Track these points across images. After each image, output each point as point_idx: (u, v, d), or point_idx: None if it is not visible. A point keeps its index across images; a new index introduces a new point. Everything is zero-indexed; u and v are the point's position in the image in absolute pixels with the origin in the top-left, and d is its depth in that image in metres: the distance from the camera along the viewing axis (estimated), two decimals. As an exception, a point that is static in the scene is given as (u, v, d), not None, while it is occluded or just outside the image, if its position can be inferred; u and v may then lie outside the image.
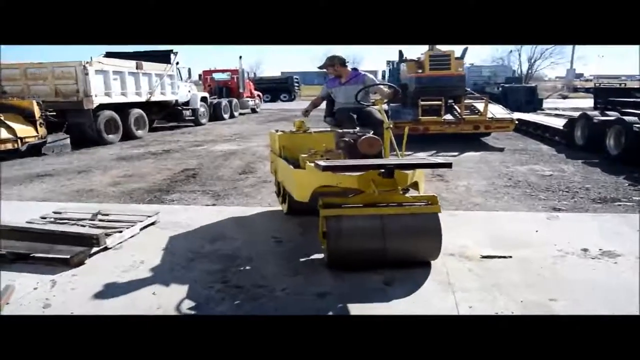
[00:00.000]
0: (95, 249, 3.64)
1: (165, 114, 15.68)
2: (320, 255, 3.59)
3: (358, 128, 4.35)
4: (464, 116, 10.13)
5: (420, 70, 11.29)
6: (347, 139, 4.06)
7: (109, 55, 13.72)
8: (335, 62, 5.15)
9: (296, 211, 4.55)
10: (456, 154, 9.01)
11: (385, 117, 4.36)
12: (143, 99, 13.30)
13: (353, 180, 3.41)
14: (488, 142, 10.84)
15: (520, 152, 9.34)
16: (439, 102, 9.93)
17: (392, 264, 3.29)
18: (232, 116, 20.55)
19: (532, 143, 10.72)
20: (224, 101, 20.05)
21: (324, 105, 5.72)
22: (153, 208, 5.11)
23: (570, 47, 45.69)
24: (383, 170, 3.28)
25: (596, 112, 9.80)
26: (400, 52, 12.88)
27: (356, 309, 2.81)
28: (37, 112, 9.65)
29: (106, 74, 11.64)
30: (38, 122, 9.66)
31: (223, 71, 23.31)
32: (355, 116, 4.76)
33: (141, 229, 4.25)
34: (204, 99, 18.02)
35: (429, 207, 3.34)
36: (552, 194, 5.73)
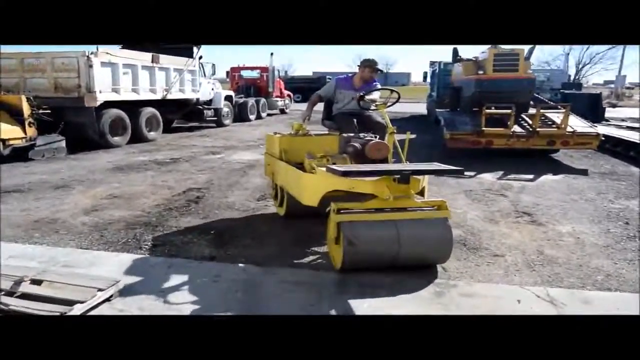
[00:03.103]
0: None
1: (185, 114, 14.07)
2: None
3: (361, 133, 4.17)
4: (537, 129, 8.22)
5: (481, 72, 9.40)
6: (354, 144, 3.92)
7: (125, 47, 12.26)
8: (375, 68, 4.92)
9: (295, 215, 4.47)
10: (531, 177, 7.12)
11: (388, 121, 4.11)
12: (158, 96, 11.68)
13: (368, 185, 3.37)
14: (563, 161, 8.85)
15: (610, 176, 7.38)
16: (509, 111, 8.05)
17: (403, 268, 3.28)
18: (258, 117, 18.89)
19: (617, 163, 8.70)
20: (251, 101, 18.39)
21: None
22: (120, 261, 3.47)
23: (620, 52, 42.61)
24: (398, 176, 3.27)
25: None
26: (455, 51, 10.95)
27: None
28: (26, 110, 8.12)
29: (115, 67, 10.09)
30: (27, 122, 8.16)
31: (252, 68, 21.70)
32: (355, 120, 4.66)
33: (84, 313, 2.61)
34: (228, 98, 16.37)
35: (440, 212, 3.38)
36: None
